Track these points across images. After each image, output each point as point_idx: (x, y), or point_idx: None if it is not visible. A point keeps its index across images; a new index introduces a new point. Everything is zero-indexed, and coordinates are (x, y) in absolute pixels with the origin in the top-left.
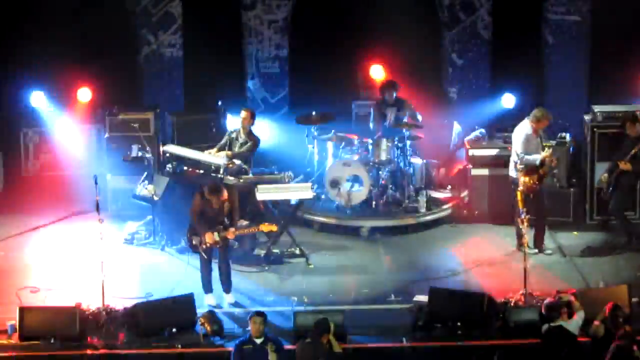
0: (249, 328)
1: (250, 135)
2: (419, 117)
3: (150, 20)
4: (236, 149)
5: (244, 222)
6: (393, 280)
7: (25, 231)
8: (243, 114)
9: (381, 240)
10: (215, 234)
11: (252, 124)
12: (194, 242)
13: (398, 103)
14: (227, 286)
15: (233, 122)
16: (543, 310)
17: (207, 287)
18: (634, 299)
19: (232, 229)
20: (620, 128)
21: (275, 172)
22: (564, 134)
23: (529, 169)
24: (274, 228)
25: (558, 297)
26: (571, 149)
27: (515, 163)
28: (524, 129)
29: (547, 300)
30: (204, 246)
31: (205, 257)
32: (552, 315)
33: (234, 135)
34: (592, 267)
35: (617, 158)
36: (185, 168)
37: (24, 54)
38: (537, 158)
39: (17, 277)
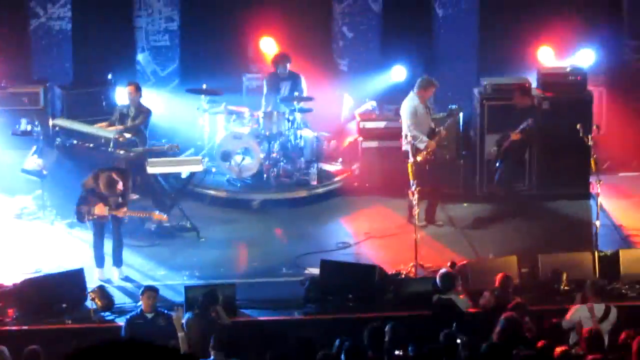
0: (140, 303)
1: (140, 107)
2: (305, 91)
3: None
4: (128, 123)
5: (135, 196)
6: (284, 253)
7: None
8: (128, 88)
9: (272, 213)
10: (106, 208)
11: (140, 96)
12: (82, 211)
13: (292, 77)
14: (117, 260)
15: (123, 95)
16: (438, 280)
17: (99, 262)
18: (524, 270)
19: (123, 209)
20: (509, 100)
21: (164, 143)
22: (453, 106)
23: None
24: (165, 219)
25: (452, 266)
26: (460, 121)
27: (406, 136)
28: (410, 101)
29: (443, 270)
30: (91, 217)
31: (95, 229)
32: (446, 286)
33: (124, 110)
34: (482, 238)
35: (506, 131)
36: (74, 142)
37: None
38: (424, 142)
39: None
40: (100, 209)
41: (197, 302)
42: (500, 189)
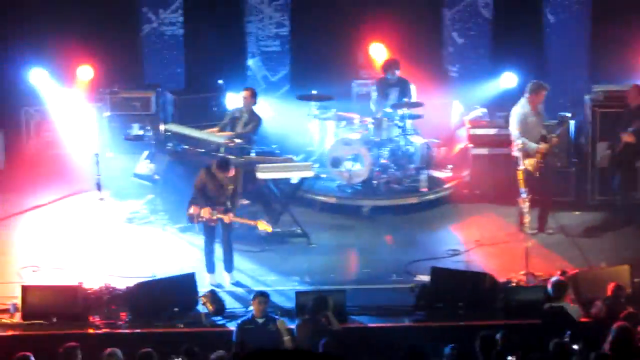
0: (251, 308)
1: (252, 114)
2: (414, 98)
3: None
4: (239, 129)
5: (245, 202)
6: (394, 260)
7: (26, 210)
8: (244, 93)
9: (382, 219)
10: (214, 211)
11: (255, 103)
12: (190, 211)
13: (401, 83)
14: (228, 265)
15: (233, 100)
16: (549, 288)
17: (210, 267)
18: (636, 279)
19: (230, 214)
20: (622, 105)
21: (277, 152)
22: (565, 113)
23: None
24: (269, 229)
25: (563, 275)
26: (572, 128)
27: (516, 143)
28: (520, 108)
29: (555, 278)
30: (199, 219)
31: (206, 234)
32: (558, 294)
33: (237, 114)
34: (593, 247)
35: (619, 131)
36: (185, 147)
37: (25, 31)
38: (534, 147)
39: (18, 256)
40: (207, 212)
41: (308, 308)
42: (619, 196)
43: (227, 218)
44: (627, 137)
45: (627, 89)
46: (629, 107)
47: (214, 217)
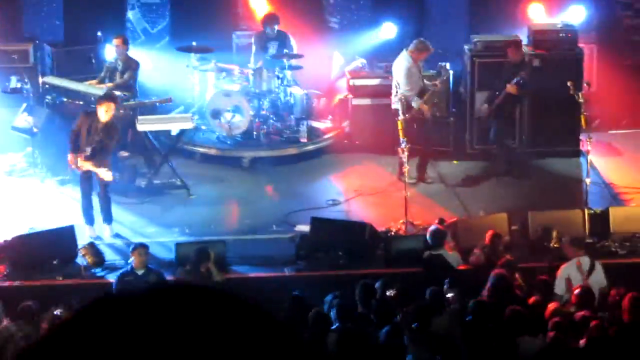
0: (131, 260)
1: (128, 61)
2: (295, 50)
3: None
4: (117, 79)
5: (125, 154)
6: (274, 210)
7: None
8: (115, 41)
9: (262, 170)
10: (79, 159)
11: (127, 49)
12: (70, 162)
13: (280, 37)
14: (107, 217)
15: (112, 53)
16: (428, 236)
17: (88, 219)
18: (514, 227)
19: (88, 162)
20: (502, 58)
21: (154, 98)
22: (443, 64)
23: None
24: (108, 178)
25: (441, 223)
26: (451, 78)
27: (396, 93)
28: (404, 61)
29: (433, 227)
30: (71, 167)
31: (82, 186)
32: (436, 242)
33: (113, 65)
34: (472, 196)
35: (498, 86)
36: (64, 99)
37: None
38: (417, 102)
39: None
40: (71, 159)
41: (189, 259)
42: (495, 146)
43: (84, 165)
44: (511, 88)
45: (506, 39)
46: (509, 61)
47: (80, 165)
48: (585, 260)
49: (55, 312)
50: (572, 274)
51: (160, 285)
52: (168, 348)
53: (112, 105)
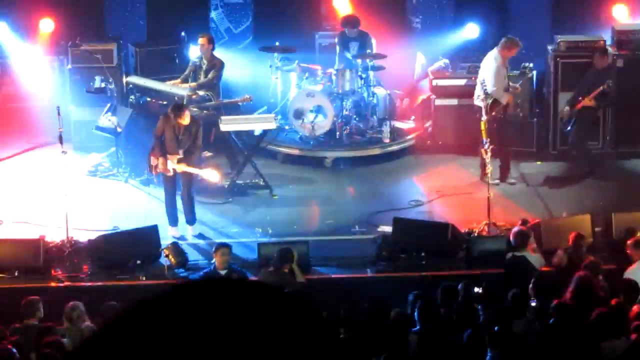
0: (214, 260)
1: (212, 60)
2: (375, 50)
3: None
4: (201, 78)
5: (208, 154)
6: (357, 211)
7: None
8: (200, 40)
9: (345, 171)
10: (169, 162)
11: (213, 48)
12: (151, 163)
13: (361, 37)
14: (190, 218)
15: (196, 52)
16: (511, 238)
17: (172, 219)
18: (597, 229)
19: (183, 163)
20: (586, 58)
21: (236, 98)
22: (527, 64)
23: (493, 100)
24: (215, 179)
25: (524, 224)
26: (534, 78)
27: (479, 94)
28: (494, 60)
29: (517, 228)
30: (156, 170)
31: (165, 186)
32: (519, 244)
33: (197, 64)
34: (555, 197)
35: (580, 91)
36: (148, 99)
37: None
38: (504, 99)
39: None
40: (162, 162)
41: (271, 259)
42: (574, 150)
43: (179, 167)
44: (588, 101)
45: (590, 39)
46: (594, 68)
47: (169, 168)
48: None
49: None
50: (638, 277)
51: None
52: (214, 340)
53: (184, 113)
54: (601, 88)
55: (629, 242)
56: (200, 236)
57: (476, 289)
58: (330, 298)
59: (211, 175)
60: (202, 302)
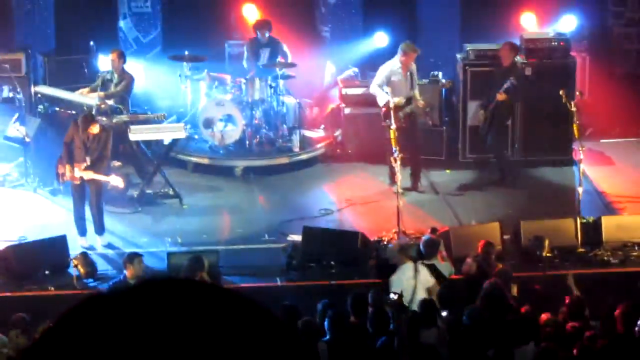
0: (124, 270)
1: (123, 73)
2: (289, 57)
3: None
4: (111, 89)
5: (117, 163)
6: (267, 220)
7: None
8: (112, 55)
9: (255, 180)
10: (76, 169)
11: (124, 63)
12: (59, 171)
13: (272, 43)
14: (99, 228)
15: (105, 62)
16: (421, 247)
17: (80, 229)
18: (506, 236)
19: (90, 171)
20: (492, 66)
21: (149, 112)
22: (436, 73)
23: (394, 109)
24: (121, 185)
25: (434, 232)
26: (443, 88)
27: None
28: (389, 63)
29: (426, 236)
30: (64, 178)
31: (74, 195)
32: (430, 252)
33: (108, 76)
34: (464, 205)
35: (490, 93)
36: (57, 109)
37: None
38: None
39: None
40: (68, 169)
41: (183, 267)
42: (492, 153)
43: (86, 175)
44: (500, 96)
45: (498, 48)
46: (500, 65)
47: (76, 175)
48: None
49: (49, 324)
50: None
51: (152, 280)
52: (163, 343)
53: (94, 124)
54: (508, 83)
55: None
56: (110, 246)
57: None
58: (242, 294)
59: (117, 181)
60: (156, 301)
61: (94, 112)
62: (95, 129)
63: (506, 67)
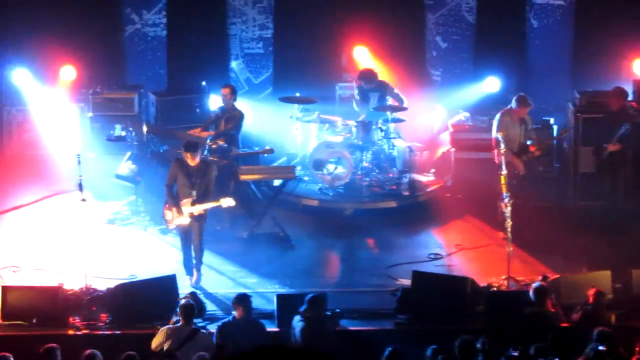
0: (234, 311)
1: (233, 110)
2: (403, 99)
3: None
4: (222, 127)
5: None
6: (376, 263)
7: (7, 210)
8: (223, 91)
9: (364, 223)
10: (183, 208)
11: (234, 99)
12: (166, 217)
13: (380, 87)
14: (197, 265)
15: (216, 102)
16: (531, 292)
17: (189, 270)
18: (617, 285)
19: (196, 204)
20: (603, 113)
21: (256, 148)
22: (547, 118)
23: (513, 155)
24: (232, 203)
25: (544, 280)
26: (554, 133)
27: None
28: (501, 114)
29: (537, 283)
30: (171, 223)
31: (181, 236)
32: (539, 300)
33: (219, 114)
34: (575, 252)
35: (603, 136)
36: (168, 148)
37: (8, 31)
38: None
39: None
40: (174, 212)
41: (303, 308)
42: (605, 202)
43: (195, 210)
44: (612, 147)
45: (608, 93)
46: (611, 110)
47: (185, 213)
48: None
49: None
50: None
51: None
52: None
53: (197, 152)
54: (622, 129)
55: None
56: (219, 286)
57: (513, 353)
58: (349, 350)
59: (228, 202)
60: None
61: (199, 142)
62: (196, 159)
63: (616, 113)
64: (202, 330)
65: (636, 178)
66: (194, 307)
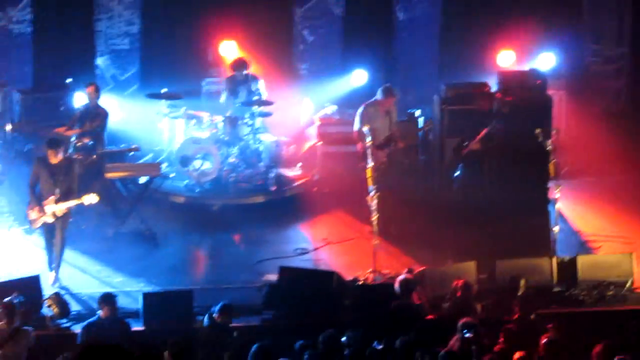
0: (99, 310)
1: (98, 108)
2: (264, 94)
3: None
4: (87, 126)
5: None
6: (242, 259)
7: None
8: (88, 89)
9: (231, 219)
10: (47, 207)
11: (98, 97)
12: (30, 218)
13: (250, 80)
14: (57, 264)
15: (82, 99)
16: (397, 286)
17: (51, 267)
18: (482, 276)
19: (60, 202)
20: (469, 104)
21: (122, 145)
22: (414, 110)
23: (377, 146)
24: (95, 199)
25: (410, 272)
26: (420, 125)
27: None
28: (366, 105)
29: (402, 276)
30: (35, 224)
31: (44, 234)
32: (405, 292)
33: (83, 112)
34: (440, 244)
35: (467, 136)
36: (32, 147)
37: None
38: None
39: None
40: (36, 211)
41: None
42: (459, 196)
43: (59, 208)
44: (474, 145)
45: (475, 86)
46: (477, 110)
47: (48, 212)
48: None
49: None
50: None
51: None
52: None
53: (54, 151)
54: (488, 128)
55: None
56: (84, 285)
57: (377, 346)
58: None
59: (91, 198)
60: None
61: (61, 144)
62: (59, 156)
63: (487, 112)
64: (24, 328)
65: (502, 169)
66: (16, 306)
